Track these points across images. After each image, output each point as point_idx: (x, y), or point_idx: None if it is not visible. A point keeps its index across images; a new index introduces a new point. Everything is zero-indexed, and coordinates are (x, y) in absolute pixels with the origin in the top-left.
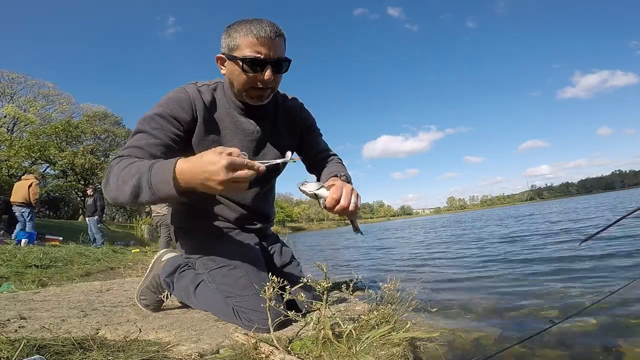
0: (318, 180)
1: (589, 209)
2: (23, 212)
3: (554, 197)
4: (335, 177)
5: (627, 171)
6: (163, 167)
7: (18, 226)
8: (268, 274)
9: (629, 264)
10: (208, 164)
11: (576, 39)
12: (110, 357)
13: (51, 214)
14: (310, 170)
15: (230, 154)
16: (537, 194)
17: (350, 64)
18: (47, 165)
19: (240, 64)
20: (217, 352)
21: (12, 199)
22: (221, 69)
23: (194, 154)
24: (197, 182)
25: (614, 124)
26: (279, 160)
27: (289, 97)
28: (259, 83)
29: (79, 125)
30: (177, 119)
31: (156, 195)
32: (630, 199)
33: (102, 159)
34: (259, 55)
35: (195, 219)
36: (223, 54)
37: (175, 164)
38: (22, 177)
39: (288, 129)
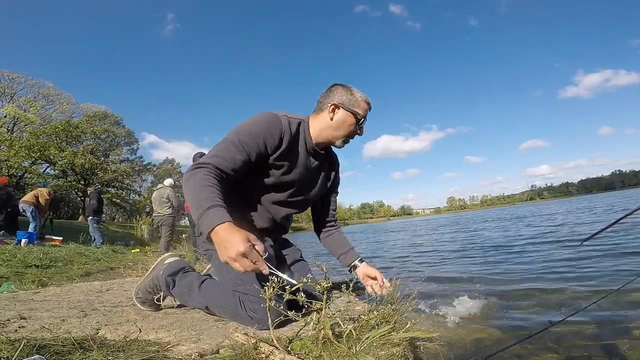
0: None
1: (596, 209)
2: (25, 209)
3: (554, 197)
4: (362, 260)
5: (627, 171)
6: (210, 219)
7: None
8: (283, 268)
9: (628, 264)
10: (233, 242)
11: (580, 38)
12: (110, 357)
13: (51, 214)
14: (316, 222)
15: (252, 246)
16: (537, 194)
17: (350, 63)
18: (47, 165)
19: (356, 118)
20: (217, 352)
21: (21, 200)
22: (331, 114)
23: (268, 169)
24: (219, 246)
25: (615, 123)
26: (286, 277)
27: (333, 151)
28: (353, 136)
29: (79, 125)
30: (267, 142)
31: (198, 229)
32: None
33: (102, 159)
34: (364, 117)
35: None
36: (341, 104)
37: (217, 225)
38: (40, 189)
39: (328, 175)
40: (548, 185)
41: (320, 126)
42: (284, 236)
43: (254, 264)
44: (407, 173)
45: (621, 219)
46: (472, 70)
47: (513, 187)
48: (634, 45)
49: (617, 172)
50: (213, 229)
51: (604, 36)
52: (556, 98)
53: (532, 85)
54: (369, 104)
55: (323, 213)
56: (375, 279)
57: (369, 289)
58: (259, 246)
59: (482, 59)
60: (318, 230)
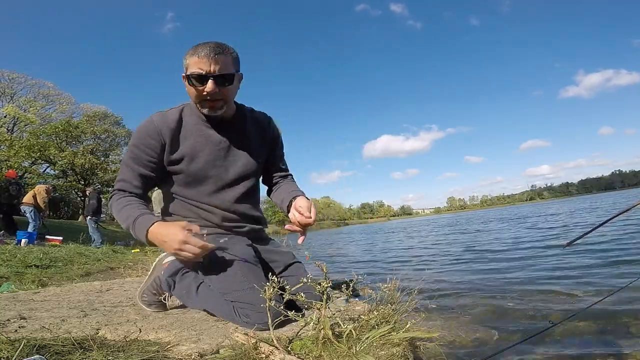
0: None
1: (600, 209)
2: (25, 210)
3: (554, 197)
4: (297, 196)
5: (627, 171)
6: (141, 226)
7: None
8: (268, 274)
9: (626, 264)
10: (170, 235)
11: (581, 37)
12: (110, 357)
13: (51, 214)
14: (268, 183)
15: (189, 231)
16: (537, 194)
17: (350, 62)
18: (47, 165)
19: (188, 79)
20: (217, 352)
21: (22, 201)
22: (185, 87)
23: (174, 168)
24: (160, 243)
25: (616, 123)
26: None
27: (257, 111)
28: (207, 96)
29: (79, 125)
30: (149, 146)
31: (140, 240)
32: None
33: (102, 159)
34: (201, 71)
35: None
36: (182, 75)
37: (149, 228)
38: (37, 186)
39: (258, 137)
40: (548, 185)
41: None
42: (281, 238)
43: (199, 245)
44: (407, 173)
45: (611, 218)
46: (473, 70)
47: (513, 187)
48: (635, 45)
49: (617, 172)
50: (147, 233)
51: (605, 36)
52: (557, 98)
53: (533, 84)
54: (199, 54)
55: (269, 171)
56: (301, 210)
57: (293, 220)
58: (195, 228)
59: (483, 58)
60: (269, 191)
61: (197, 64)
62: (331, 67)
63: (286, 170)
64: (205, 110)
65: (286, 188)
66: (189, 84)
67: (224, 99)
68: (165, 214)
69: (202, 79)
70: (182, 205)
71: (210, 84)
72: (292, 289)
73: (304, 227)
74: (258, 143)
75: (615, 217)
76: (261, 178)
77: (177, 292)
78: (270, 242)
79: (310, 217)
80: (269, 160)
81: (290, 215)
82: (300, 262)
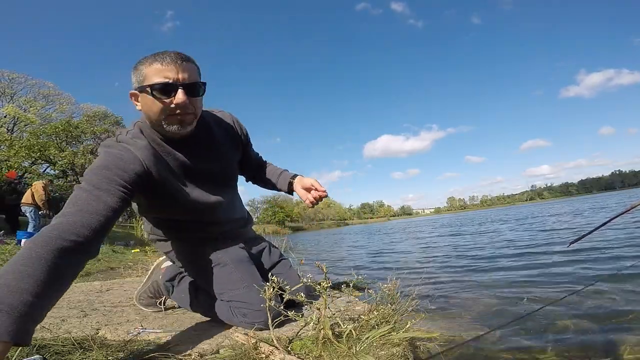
0: (262, 182)
1: (603, 209)
2: (25, 210)
3: (554, 197)
4: (295, 176)
5: (627, 171)
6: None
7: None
8: (267, 274)
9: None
10: None
11: (582, 37)
12: (110, 357)
13: (51, 214)
14: (251, 178)
15: None
16: (537, 194)
17: (350, 62)
18: (47, 165)
19: (150, 91)
20: (217, 352)
21: (21, 202)
22: (136, 105)
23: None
24: None
25: (617, 123)
26: None
27: (215, 111)
28: (176, 109)
29: (79, 125)
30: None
31: None
32: None
33: None
34: (168, 79)
35: (173, 239)
36: (135, 89)
37: None
38: (34, 183)
39: (228, 141)
40: (548, 185)
41: (145, 123)
42: (281, 238)
43: None
44: (407, 173)
45: (611, 219)
46: (474, 69)
47: (513, 187)
48: (636, 44)
49: (617, 172)
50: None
51: (607, 35)
52: (558, 97)
53: (534, 84)
54: (163, 60)
55: (246, 164)
56: (310, 189)
57: (307, 202)
58: None
59: (484, 57)
60: (252, 179)
61: (161, 72)
62: (331, 67)
63: (260, 157)
64: (173, 128)
65: (273, 170)
66: (153, 96)
67: (194, 112)
68: (157, 236)
69: (169, 88)
70: (169, 225)
71: (180, 94)
72: (292, 289)
73: (320, 200)
74: (231, 148)
75: (615, 217)
76: (245, 178)
77: (175, 296)
78: (258, 240)
79: (325, 190)
80: (244, 156)
81: (301, 195)
82: (287, 259)
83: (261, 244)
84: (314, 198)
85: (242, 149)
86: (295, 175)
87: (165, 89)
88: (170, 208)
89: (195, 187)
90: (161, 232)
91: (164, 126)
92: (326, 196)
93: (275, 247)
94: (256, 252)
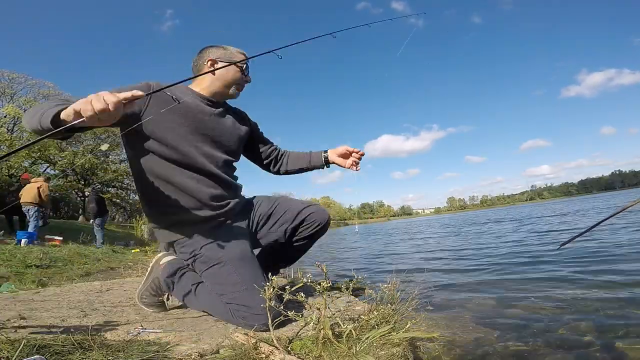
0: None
1: (604, 210)
2: (28, 210)
3: (554, 198)
4: (325, 151)
5: (627, 171)
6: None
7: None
8: (268, 274)
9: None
10: (88, 97)
11: (583, 36)
12: (110, 357)
13: (51, 214)
14: (268, 165)
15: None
16: (537, 194)
17: (350, 61)
18: (47, 165)
19: (240, 66)
20: (217, 352)
21: (21, 200)
22: (205, 67)
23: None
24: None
25: (618, 123)
26: None
27: (237, 108)
28: (245, 82)
29: None
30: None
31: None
32: None
33: (102, 158)
34: (245, 64)
35: (168, 213)
36: (217, 58)
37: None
38: (31, 180)
39: (239, 120)
40: (548, 185)
41: (206, 84)
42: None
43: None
44: (407, 173)
45: (606, 219)
46: (474, 69)
47: (513, 187)
48: (637, 44)
49: (617, 172)
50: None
51: (608, 35)
52: (558, 97)
53: (534, 84)
54: (243, 53)
55: (267, 154)
56: (346, 155)
57: (352, 168)
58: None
59: (484, 57)
60: (274, 167)
61: (240, 56)
62: (331, 67)
63: (276, 146)
64: (236, 92)
65: (300, 153)
66: (239, 69)
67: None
68: (158, 226)
69: (248, 70)
70: (165, 184)
71: (250, 75)
72: (292, 289)
73: (359, 160)
74: (240, 121)
75: (610, 217)
76: (257, 159)
77: (176, 292)
78: (252, 202)
79: (360, 150)
80: (257, 140)
81: (341, 162)
82: (285, 196)
83: (254, 205)
84: (356, 159)
85: (251, 130)
86: (324, 151)
87: (246, 68)
88: (176, 143)
89: (205, 141)
90: (158, 214)
91: (230, 91)
92: (363, 154)
93: (268, 196)
94: (254, 217)
